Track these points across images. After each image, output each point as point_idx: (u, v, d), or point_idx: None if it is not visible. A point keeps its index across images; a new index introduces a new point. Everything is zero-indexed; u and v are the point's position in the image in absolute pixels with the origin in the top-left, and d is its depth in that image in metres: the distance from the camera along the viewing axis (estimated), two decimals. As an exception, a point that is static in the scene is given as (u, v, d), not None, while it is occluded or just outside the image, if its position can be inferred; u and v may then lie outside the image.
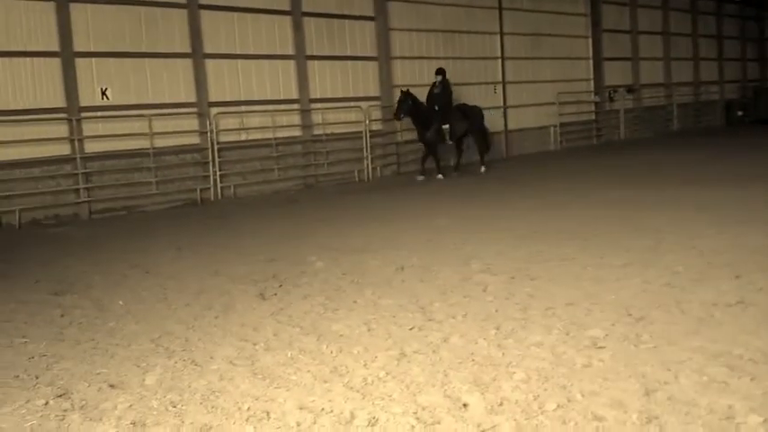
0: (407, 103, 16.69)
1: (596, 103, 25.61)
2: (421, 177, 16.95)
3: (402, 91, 16.84)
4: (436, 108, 17.10)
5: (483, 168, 17.89)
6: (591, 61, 25.44)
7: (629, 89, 27.05)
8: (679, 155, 19.94)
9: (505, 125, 22.11)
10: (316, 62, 16.91)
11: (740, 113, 30.73)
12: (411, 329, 5.76)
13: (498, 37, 21.78)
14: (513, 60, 22.21)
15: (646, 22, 27.70)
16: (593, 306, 6.09)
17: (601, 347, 5.10)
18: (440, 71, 17.49)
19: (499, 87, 21.88)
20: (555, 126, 23.80)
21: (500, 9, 21.79)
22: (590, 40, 25.37)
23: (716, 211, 10.19)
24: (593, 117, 25.64)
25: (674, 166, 17.16)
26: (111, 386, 4.87)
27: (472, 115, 17.93)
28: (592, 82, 25.48)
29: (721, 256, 7.59)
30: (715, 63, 32.11)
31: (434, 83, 17.49)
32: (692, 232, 8.87)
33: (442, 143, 17.35)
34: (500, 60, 21.91)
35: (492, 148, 19.27)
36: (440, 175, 17.02)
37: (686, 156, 19.41)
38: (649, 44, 28.03)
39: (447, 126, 17.16)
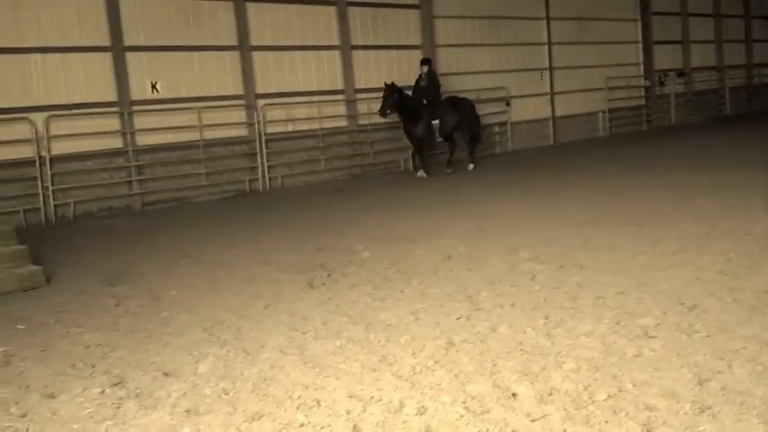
0: (393, 98, 15.34)
1: (646, 88, 25.14)
2: (422, 173, 15.83)
3: (386, 84, 15.53)
4: (425, 102, 15.77)
5: (471, 166, 16.55)
6: (640, 45, 24.95)
7: (680, 73, 26.47)
8: (731, 139, 19.46)
9: (552, 112, 21.84)
10: (360, 52, 16.92)
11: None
12: (459, 319, 5.76)
13: (545, 22, 21.50)
14: (560, 45, 21.89)
15: (696, 4, 27.04)
16: (644, 295, 6.01)
17: (652, 337, 5.04)
18: (425, 61, 16.25)
19: (546, 74, 21.60)
20: (603, 112, 23.44)
21: (546, -7, 21.55)
22: (639, 24, 24.88)
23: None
24: (643, 102, 25.17)
25: (726, 150, 16.76)
26: (165, 374, 4.98)
27: (462, 108, 16.45)
28: (641, 66, 25.00)
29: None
30: (769, 44, 31.27)
31: (420, 75, 16.13)
32: (746, 218, 8.67)
33: (431, 141, 16.05)
34: (547, 46, 21.62)
35: (482, 142, 17.71)
36: (421, 173, 15.80)
37: (738, 140, 18.94)
38: (700, 26, 27.37)
39: (437, 122, 15.83)
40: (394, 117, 16.02)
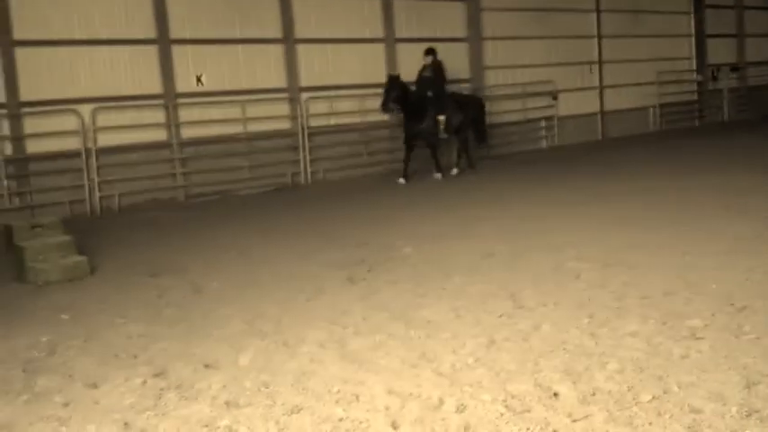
0: (396, 92, 14.06)
1: (698, 83, 24.57)
2: (402, 180, 14.21)
3: (390, 76, 14.49)
4: (429, 95, 14.56)
5: (455, 170, 15.10)
6: (693, 38, 24.37)
7: (734, 67, 25.78)
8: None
9: (601, 106, 21.48)
10: (404, 45, 16.83)
11: None
12: (500, 316, 5.69)
13: (595, 14, 21.12)
14: (610, 39, 21.48)
15: (752, -4, 26.36)
16: (692, 295, 5.87)
17: (700, 338, 4.91)
18: (430, 51, 14.94)
19: (595, 67, 21.24)
20: (654, 107, 22.95)
21: (596, -15, 21.19)
22: (692, 17, 24.29)
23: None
24: (695, 97, 24.61)
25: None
26: (206, 366, 5.01)
27: (468, 106, 15.23)
28: (694, 60, 24.44)
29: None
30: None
31: (424, 65, 14.92)
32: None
33: (437, 137, 14.73)
34: (596, 39, 21.25)
35: (486, 144, 16.51)
36: (438, 175, 14.57)
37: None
38: (756, 19, 26.61)
39: (443, 117, 14.56)
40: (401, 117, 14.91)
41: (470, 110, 15.22)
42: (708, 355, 4.60)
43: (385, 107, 14.26)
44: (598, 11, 21.15)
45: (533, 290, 6.36)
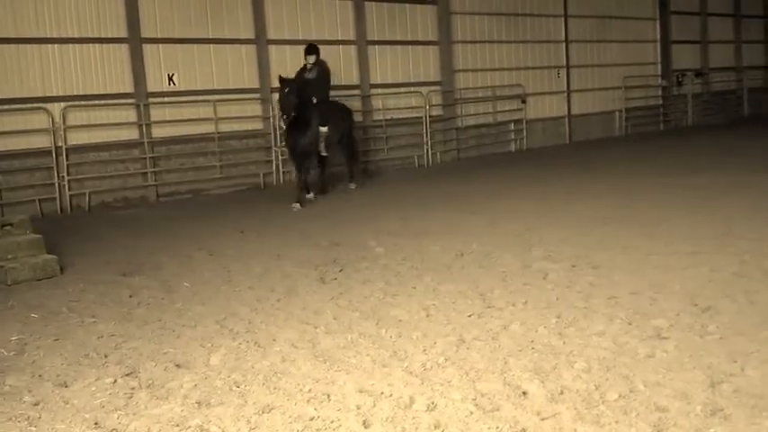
0: (293, 98, 11.86)
1: (663, 88, 24.96)
2: (297, 205, 11.87)
3: (281, 79, 12.13)
4: (314, 101, 12.52)
5: (353, 185, 13.90)
6: (658, 44, 24.77)
7: (698, 73, 26.25)
8: (749, 140, 19.29)
9: (569, 110, 21.74)
10: (377, 47, 16.90)
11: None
12: (470, 316, 5.76)
13: (563, 19, 21.39)
14: (578, 43, 21.79)
15: (716, 4, 26.82)
16: (657, 295, 5.99)
17: (665, 338, 5.02)
18: (312, 49, 13.00)
19: (563, 71, 21.50)
20: (620, 111, 23.29)
21: (564, -9, 21.47)
22: (658, 23, 24.70)
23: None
24: (661, 102, 25.00)
25: (744, 151, 16.62)
26: (177, 366, 5.01)
27: (343, 116, 13.57)
28: (659, 66, 24.83)
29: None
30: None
31: (305, 65, 13.03)
32: (764, 219, 8.61)
33: (317, 154, 12.81)
34: (564, 44, 21.53)
35: (358, 161, 14.66)
36: (307, 198, 12.30)
37: (756, 141, 18.77)
38: (719, 26, 27.14)
39: (326, 129, 12.68)
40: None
41: (340, 122, 13.33)
42: (673, 355, 4.71)
43: (286, 114, 11.99)
44: (566, 16, 21.43)
45: (503, 289, 6.45)
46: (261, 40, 15.01)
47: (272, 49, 15.19)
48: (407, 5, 17.51)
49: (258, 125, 15.19)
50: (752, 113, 28.05)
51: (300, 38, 15.58)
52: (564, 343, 5.04)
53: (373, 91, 16.84)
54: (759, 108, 28.45)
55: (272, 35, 15.18)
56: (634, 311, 5.60)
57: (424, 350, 5.05)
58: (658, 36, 24.72)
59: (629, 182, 12.69)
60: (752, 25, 28.73)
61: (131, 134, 13.55)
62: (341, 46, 16.32)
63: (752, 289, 5.98)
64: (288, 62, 15.43)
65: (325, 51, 15.82)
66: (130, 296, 6.94)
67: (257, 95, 15.06)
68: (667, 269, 6.78)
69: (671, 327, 5.22)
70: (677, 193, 11.08)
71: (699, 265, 6.85)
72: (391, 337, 5.37)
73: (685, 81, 25.62)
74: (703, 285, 6.20)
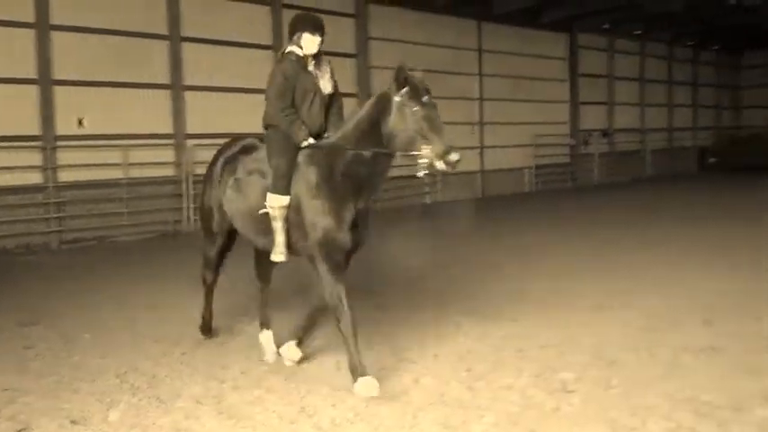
0: None
1: (571, 147, 25.90)
2: None
3: None
4: None
5: None
6: (568, 105, 25.79)
7: (604, 133, 27.42)
8: (653, 198, 20.11)
9: (481, 165, 22.26)
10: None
11: (712, 160, 30.92)
12: (382, 370, 5.70)
13: (478, 78, 22.06)
14: (492, 102, 22.46)
15: (623, 68, 28.18)
16: (565, 348, 6.08)
17: (571, 391, 5.08)
18: None
19: (476, 128, 22.08)
20: (530, 168, 24.01)
21: (480, 51, 22.13)
22: (568, 84, 25.76)
23: (698, 253, 10.26)
24: (569, 160, 25.90)
25: (652, 208, 17.28)
26: (73, 422, 4.77)
27: None
28: (568, 125, 25.80)
29: (696, 299, 7.63)
30: (689, 110, 32.68)
31: None
32: (671, 274, 8.92)
33: None
34: (478, 101, 22.15)
35: None
36: None
37: (666, 199, 19.60)
38: (625, 90, 28.51)
39: None
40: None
41: None
42: (578, 408, 4.77)
43: None
44: (481, 75, 22.10)
45: (416, 342, 6.42)
46: (176, 86, 14.86)
47: (188, 95, 15.05)
48: (328, 58, 17.65)
49: (170, 171, 14.93)
50: (654, 173, 29.33)
51: (217, 85, 15.53)
52: (473, 396, 5.04)
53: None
54: (661, 168, 29.79)
55: (188, 81, 15.04)
56: (542, 364, 5.66)
57: (334, 405, 4.96)
58: (568, 97, 25.76)
59: (538, 237, 12.98)
60: (656, 89, 30.27)
61: (36, 178, 13.10)
62: (259, 94, 16.25)
63: (656, 343, 6.13)
64: (203, 108, 15.33)
65: (241, 99, 15.78)
66: (27, 348, 6.60)
67: (171, 141, 14.84)
68: (576, 323, 6.88)
69: (577, 380, 5.30)
70: (589, 247, 11.38)
71: (607, 319, 7.00)
72: (300, 392, 5.26)
73: (592, 140, 26.67)
74: (610, 339, 6.31)
